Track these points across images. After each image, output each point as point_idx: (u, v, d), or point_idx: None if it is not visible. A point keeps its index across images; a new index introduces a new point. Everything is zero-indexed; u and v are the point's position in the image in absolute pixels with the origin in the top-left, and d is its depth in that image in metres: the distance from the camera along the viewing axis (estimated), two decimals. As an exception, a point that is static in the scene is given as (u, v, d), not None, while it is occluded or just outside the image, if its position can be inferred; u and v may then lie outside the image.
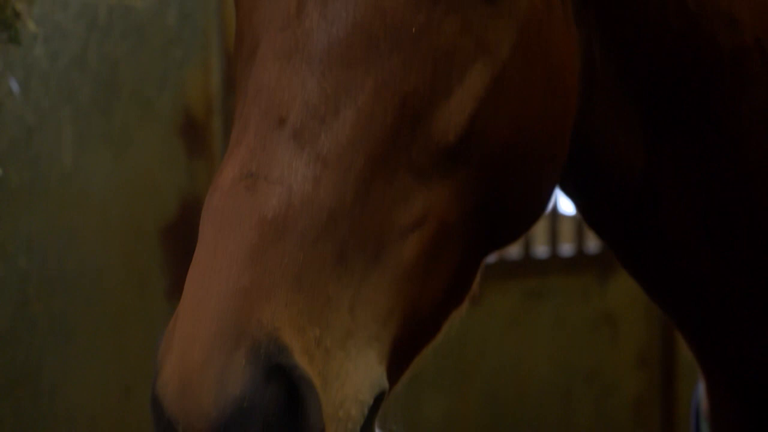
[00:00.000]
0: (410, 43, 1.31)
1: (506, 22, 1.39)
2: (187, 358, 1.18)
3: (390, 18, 1.31)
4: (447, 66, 1.34)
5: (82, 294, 4.01)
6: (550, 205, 1.95)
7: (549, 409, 5.07)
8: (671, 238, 1.75)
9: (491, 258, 5.17)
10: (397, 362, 1.33)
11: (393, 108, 1.29)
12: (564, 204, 5.25)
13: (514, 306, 5.02)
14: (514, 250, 5.10)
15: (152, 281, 4.11)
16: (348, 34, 1.30)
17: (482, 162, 1.37)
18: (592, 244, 5.19)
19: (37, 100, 3.86)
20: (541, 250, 5.16)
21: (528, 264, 5.08)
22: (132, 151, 4.06)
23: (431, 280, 1.33)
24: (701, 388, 2.36)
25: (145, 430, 1.77)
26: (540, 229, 5.20)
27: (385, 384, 1.29)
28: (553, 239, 5.16)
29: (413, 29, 1.31)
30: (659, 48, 1.68)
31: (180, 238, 4.09)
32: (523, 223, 1.56)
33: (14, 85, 3.28)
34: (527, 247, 5.05)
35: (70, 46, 3.91)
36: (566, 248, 5.22)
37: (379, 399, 1.29)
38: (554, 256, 5.15)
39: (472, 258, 1.45)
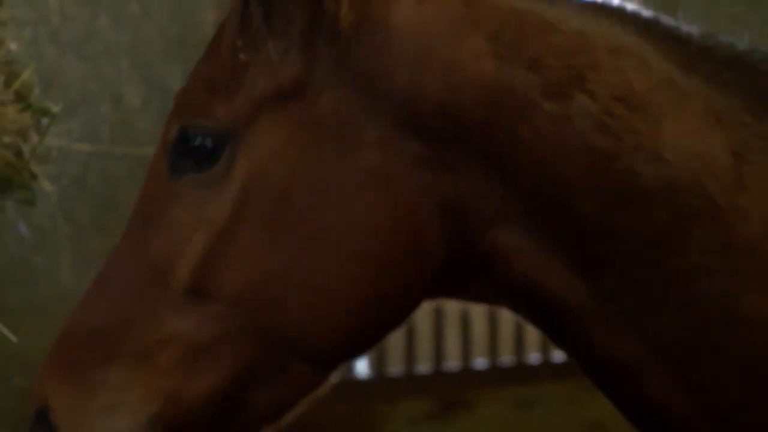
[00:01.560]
0: (156, 218, 1.84)
1: (222, 193, 1.80)
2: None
3: (145, 201, 1.88)
4: (177, 233, 1.82)
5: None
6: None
7: None
8: (626, 366, 1.75)
9: (482, 364, 5.18)
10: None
11: (145, 263, 1.83)
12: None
13: (506, 413, 5.01)
14: (506, 357, 5.09)
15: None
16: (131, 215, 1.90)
17: (234, 299, 1.78)
18: (584, 349, 5.19)
19: (39, 220, 3.85)
20: (533, 356, 5.16)
21: (520, 370, 5.09)
22: (130, 268, 4.03)
23: (194, 381, 1.79)
24: None
25: None
26: (532, 335, 5.20)
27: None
28: (542, 345, 5.17)
29: (157, 208, 1.84)
30: (575, 187, 1.70)
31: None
32: (358, 343, 1.82)
33: (22, 228, 3.27)
34: (519, 354, 5.05)
35: (71, 168, 3.90)
36: (558, 354, 5.22)
37: None
38: (546, 363, 5.16)
39: (273, 365, 1.79)
